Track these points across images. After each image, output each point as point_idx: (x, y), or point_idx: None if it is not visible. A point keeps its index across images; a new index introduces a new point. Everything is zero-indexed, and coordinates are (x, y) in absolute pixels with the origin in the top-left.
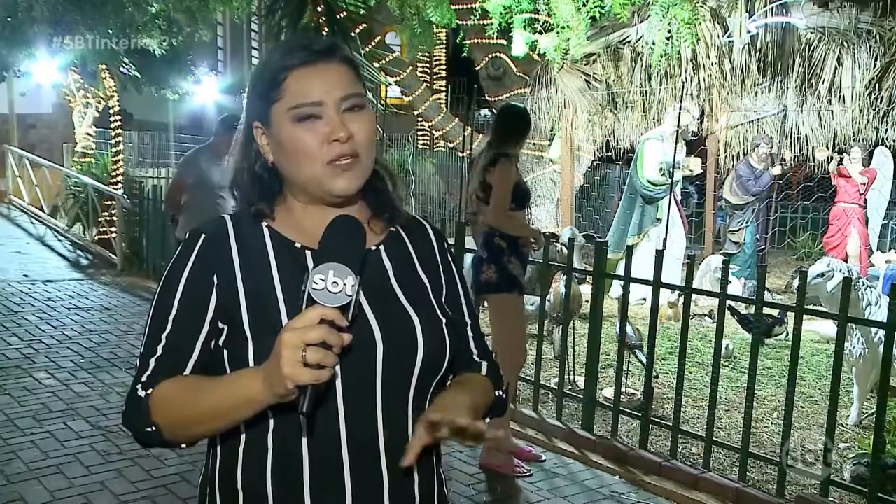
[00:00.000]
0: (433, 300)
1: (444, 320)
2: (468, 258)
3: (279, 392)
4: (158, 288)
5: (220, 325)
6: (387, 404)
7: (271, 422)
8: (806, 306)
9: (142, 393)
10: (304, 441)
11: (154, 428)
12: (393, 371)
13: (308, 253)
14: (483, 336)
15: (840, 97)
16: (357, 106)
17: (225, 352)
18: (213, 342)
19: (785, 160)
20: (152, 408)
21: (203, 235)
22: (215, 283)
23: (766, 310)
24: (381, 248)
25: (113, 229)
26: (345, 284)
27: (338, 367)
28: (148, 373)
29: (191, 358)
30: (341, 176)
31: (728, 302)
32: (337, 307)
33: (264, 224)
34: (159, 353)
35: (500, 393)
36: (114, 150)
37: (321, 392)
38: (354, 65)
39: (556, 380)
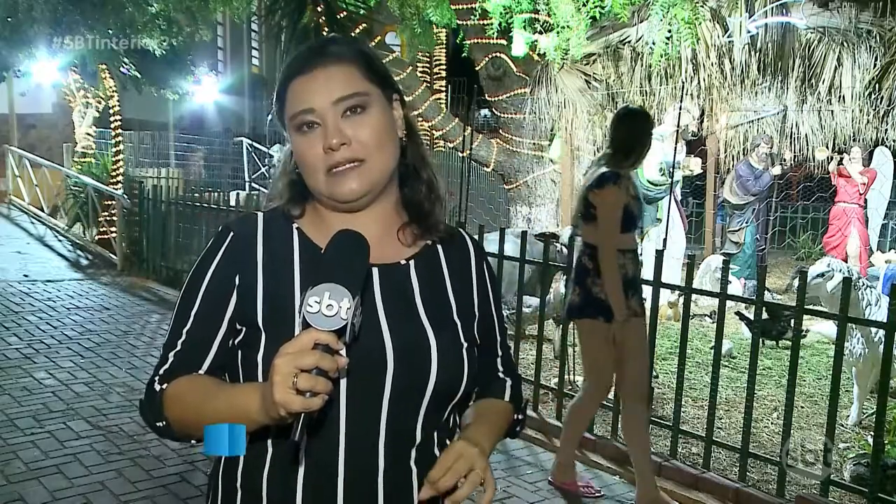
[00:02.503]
0: (458, 322)
1: (465, 345)
2: None
3: (273, 416)
4: (185, 282)
5: (239, 327)
6: (391, 426)
7: (272, 428)
8: (806, 306)
9: (157, 387)
10: (302, 452)
11: (165, 423)
12: (401, 392)
13: None
14: (510, 352)
15: (840, 97)
16: (359, 107)
17: (238, 352)
18: (230, 342)
19: (785, 160)
20: (165, 403)
21: (232, 233)
22: (237, 283)
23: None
24: (411, 262)
25: (113, 229)
26: (340, 307)
27: (343, 382)
28: (166, 367)
29: (208, 355)
30: (342, 182)
31: (736, 309)
32: (332, 331)
33: (295, 225)
34: (178, 347)
35: (519, 416)
36: (114, 150)
37: (314, 418)
38: (361, 60)
39: (556, 380)
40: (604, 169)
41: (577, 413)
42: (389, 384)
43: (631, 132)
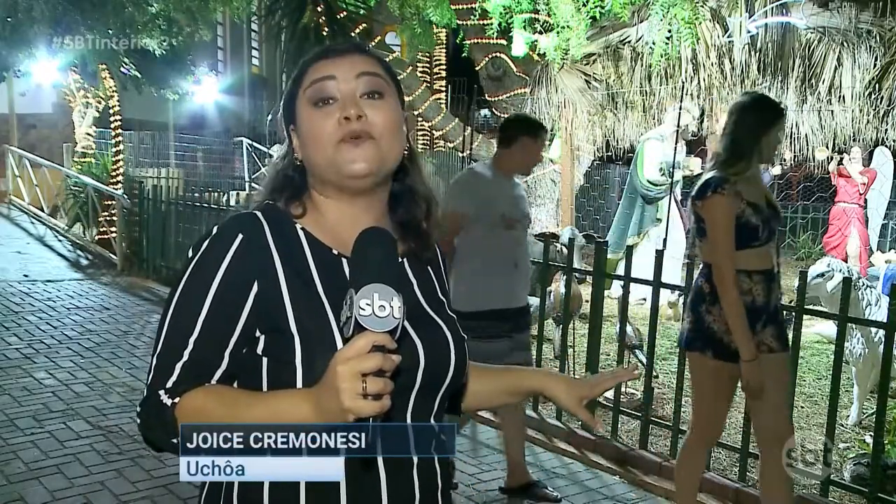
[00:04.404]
0: (453, 316)
1: (465, 337)
2: None
3: (335, 423)
4: (182, 284)
5: (257, 334)
6: (415, 418)
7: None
8: (807, 306)
9: (167, 401)
10: (379, 456)
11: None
12: (426, 386)
13: (344, 261)
14: None
15: (840, 97)
16: (377, 92)
17: (264, 360)
18: (243, 350)
19: (785, 160)
20: (180, 419)
21: (241, 235)
22: (255, 289)
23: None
24: (405, 260)
25: (113, 229)
26: (392, 307)
27: None
28: (173, 379)
29: (220, 365)
30: (352, 153)
31: None
32: (387, 331)
33: (298, 226)
34: (185, 358)
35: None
36: (114, 150)
37: (382, 420)
38: (379, 58)
39: None
40: (710, 174)
41: (683, 460)
42: (420, 379)
43: (741, 126)
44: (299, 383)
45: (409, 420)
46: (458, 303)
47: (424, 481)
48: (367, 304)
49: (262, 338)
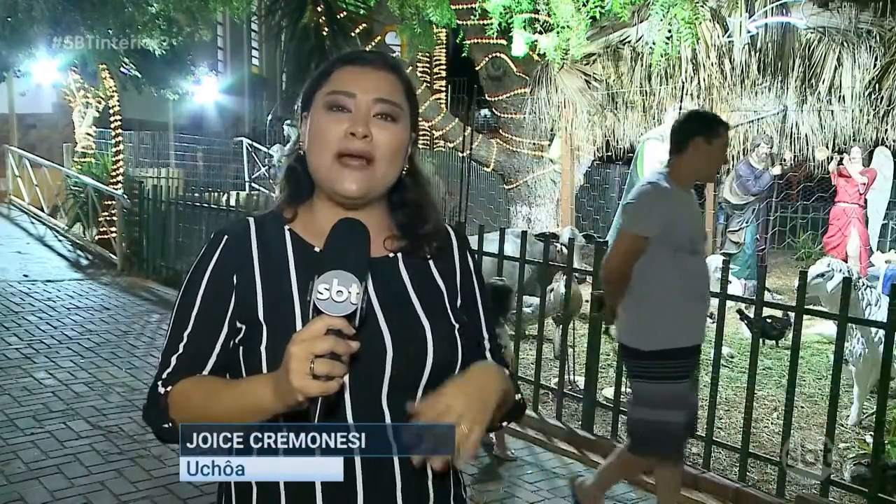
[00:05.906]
0: (448, 307)
1: (456, 326)
2: None
3: (290, 403)
4: (182, 286)
5: (239, 325)
6: (393, 409)
7: (282, 418)
8: (806, 306)
9: (161, 389)
10: None
11: (171, 424)
12: (400, 376)
13: None
14: (499, 343)
15: (840, 97)
16: (390, 115)
17: (240, 349)
18: (231, 342)
19: (785, 160)
20: (170, 405)
21: (226, 237)
22: (235, 282)
23: (774, 313)
24: (399, 254)
25: (113, 229)
26: (349, 293)
27: (346, 376)
28: (169, 370)
29: (211, 357)
30: (347, 176)
31: (738, 307)
32: (343, 316)
33: (286, 227)
34: (180, 350)
35: (520, 397)
36: (114, 150)
37: (332, 402)
38: (406, 82)
39: (556, 380)
40: None
41: None
42: (389, 369)
43: None
44: (264, 369)
45: (386, 411)
46: (634, 340)
47: (408, 479)
48: (326, 289)
49: (243, 328)
